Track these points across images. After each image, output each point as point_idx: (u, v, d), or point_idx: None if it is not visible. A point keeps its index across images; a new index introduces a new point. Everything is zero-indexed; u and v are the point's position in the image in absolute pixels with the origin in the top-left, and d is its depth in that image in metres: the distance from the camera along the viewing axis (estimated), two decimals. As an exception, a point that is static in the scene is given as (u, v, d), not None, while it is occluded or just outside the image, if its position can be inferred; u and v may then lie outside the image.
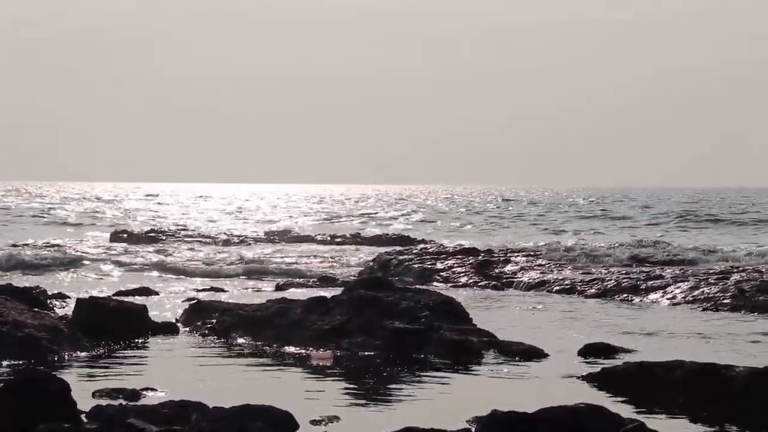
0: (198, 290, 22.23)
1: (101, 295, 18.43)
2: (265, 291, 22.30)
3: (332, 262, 31.74)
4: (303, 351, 13.73)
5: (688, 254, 28.17)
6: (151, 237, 41.31)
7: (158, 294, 21.17)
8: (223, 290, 22.30)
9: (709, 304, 19.15)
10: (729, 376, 10.47)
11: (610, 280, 22.70)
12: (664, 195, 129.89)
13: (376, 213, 73.88)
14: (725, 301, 19.13)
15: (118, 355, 13.39)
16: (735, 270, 22.79)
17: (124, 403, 9.37)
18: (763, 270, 22.45)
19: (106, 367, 12.37)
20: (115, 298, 17.07)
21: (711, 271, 22.80)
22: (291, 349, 13.90)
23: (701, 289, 20.24)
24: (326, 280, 24.57)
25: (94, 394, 10.28)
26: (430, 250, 30.08)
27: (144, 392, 10.42)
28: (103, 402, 9.36)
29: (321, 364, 12.78)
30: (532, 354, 13.09)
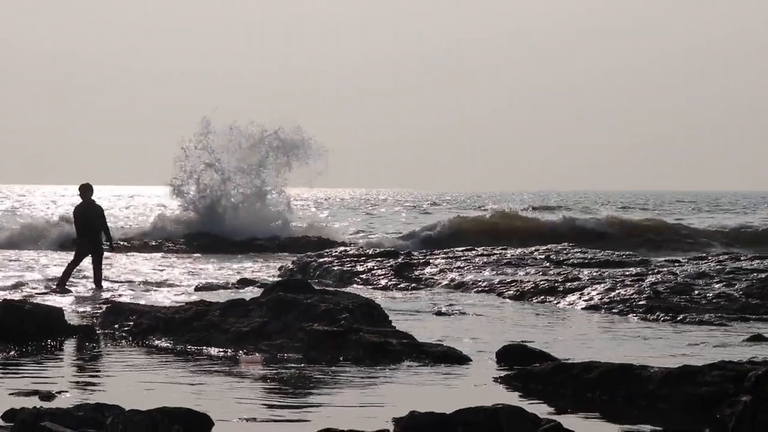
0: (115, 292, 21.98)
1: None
2: (184, 293, 22.13)
3: (252, 264, 31.61)
4: (222, 353, 13.68)
5: (604, 256, 28.46)
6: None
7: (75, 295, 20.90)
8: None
9: (624, 306, 19.39)
10: (644, 376, 10.63)
11: (528, 281, 22.88)
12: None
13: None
14: (641, 302, 19.38)
15: (32, 358, 13.20)
16: (650, 272, 23.10)
17: (38, 405, 9.24)
18: (678, 272, 22.79)
19: (21, 371, 12.18)
20: (30, 300, 16.84)
21: (627, 273, 23.09)
22: (210, 351, 13.83)
23: (617, 291, 20.48)
24: (245, 283, 24.45)
25: (7, 396, 10.12)
26: (350, 252, 30.08)
27: (59, 395, 10.29)
28: (17, 405, 9.22)
29: (251, 368, 12.69)
30: (450, 356, 13.14)
